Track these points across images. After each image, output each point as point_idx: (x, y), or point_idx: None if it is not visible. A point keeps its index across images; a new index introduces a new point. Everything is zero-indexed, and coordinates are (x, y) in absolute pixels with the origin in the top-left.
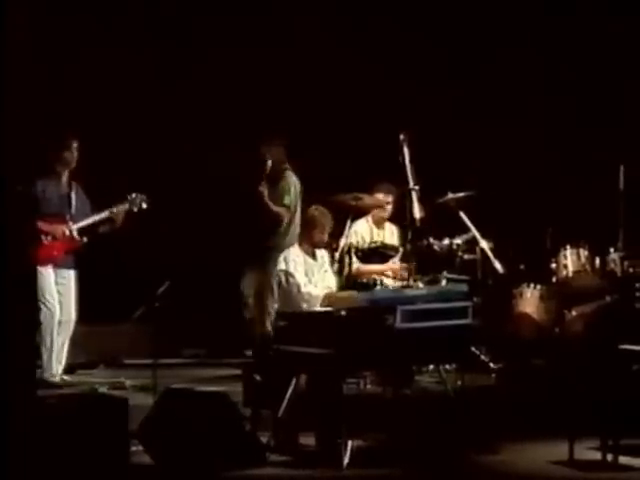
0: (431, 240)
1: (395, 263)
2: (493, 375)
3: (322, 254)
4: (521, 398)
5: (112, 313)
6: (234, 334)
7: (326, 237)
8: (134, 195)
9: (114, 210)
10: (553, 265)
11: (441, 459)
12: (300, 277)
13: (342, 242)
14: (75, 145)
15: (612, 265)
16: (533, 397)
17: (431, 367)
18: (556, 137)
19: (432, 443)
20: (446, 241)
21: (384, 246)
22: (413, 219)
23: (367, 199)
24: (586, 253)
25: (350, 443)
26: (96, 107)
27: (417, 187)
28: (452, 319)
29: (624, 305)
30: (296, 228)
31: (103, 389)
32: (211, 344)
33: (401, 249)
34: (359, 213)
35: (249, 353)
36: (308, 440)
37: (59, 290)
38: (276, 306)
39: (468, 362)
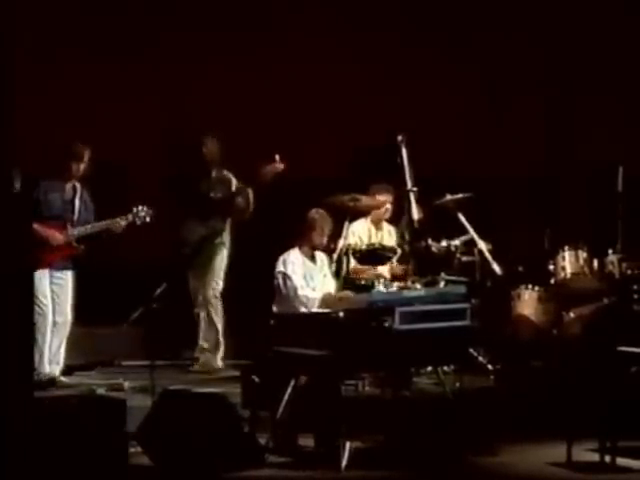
0: (429, 241)
1: (393, 264)
2: (491, 377)
3: (322, 257)
4: (519, 400)
5: (110, 315)
6: (233, 334)
7: (325, 240)
8: (140, 208)
9: (115, 222)
10: (551, 267)
11: (440, 461)
12: (298, 280)
13: (340, 243)
14: (86, 156)
15: (610, 267)
16: (531, 399)
17: (429, 369)
18: (555, 137)
19: (430, 445)
20: (444, 243)
21: (382, 247)
22: (411, 220)
23: (365, 200)
24: (584, 255)
25: (349, 444)
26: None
27: (415, 188)
28: (450, 321)
29: (622, 307)
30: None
31: (101, 391)
32: None
33: (399, 250)
34: (357, 214)
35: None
36: (307, 441)
37: (55, 290)
38: (275, 308)
39: (466, 364)
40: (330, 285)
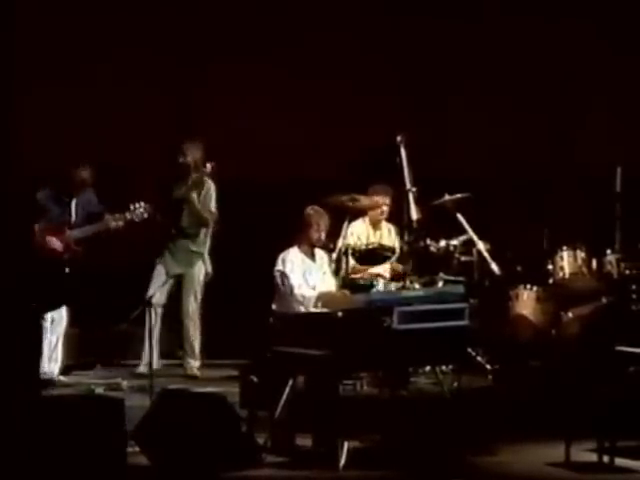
0: (428, 241)
1: (392, 264)
2: (490, 376)
3: (321, 255)
4: (518, 400)
5: (109, 314)
6: (231, 335)
7: (323, 236)
8: (137, 205)
9: (112, 222)
10: (550, 267)
11: (438, 460)
12: (295, 279)
13: (339, 243)
14: (87, 179)
15: (609, 267)
16: (530, 399)
17: (428, 368)
18: (554, 137)
19: (429, 444)
20: (443, 243)
21: (381, 247)
22: (410, 221)
23: (364, 200)
24: (583, 255)
25: (347, 444)
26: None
27: (414, 189)
28: (449, 320)
29: (621, 307)
30: (209, 234)
31: (99, 390)
32: (208, 345)
33: (398, 249)
34: (356, 214)
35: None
36: (305, 441)
37: None
38: (274, 307)
39: (465, 363)
40: (330, 283)
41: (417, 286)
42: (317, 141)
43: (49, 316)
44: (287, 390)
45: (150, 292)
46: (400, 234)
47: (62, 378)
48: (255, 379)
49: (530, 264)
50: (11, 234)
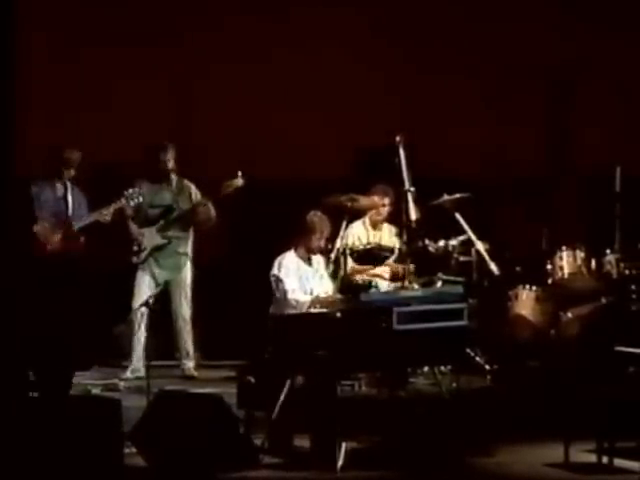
0: (427, 242)
1: (390, 264)
2: (488, 377)
3: (318, 259)
4: (517, 400)
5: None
6: (228, 336)
7: (323, 243)
8: (130, 190)
9: (108, 209)
10: (549, 267)
11: (436, 461)
12: (290, 283)
13: (337, 243)
14: (77, 161)
15: (608, 267)
16: (529, 399)
17: (426, 369)
18: (553, 137)
19: (427, 445)
20: (442, 243)
21: (379, 247)
22: (409, 221)
23: (363, 200)
24: (582, 255)
25: (345, 445)
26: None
27: (413, 189)
28: (448, 321)
29: (620, 307)
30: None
31: (96, 390)
32: (205, 346)
33: (397, 250)
34: (355, 214)
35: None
36: (302, 442)
37: None
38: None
39: (463, 364)
40: (327, 286)
41: (416, 286)
42: (316, 141)
43: None
44: (285, 391)
45: (139, 300)
46: (399, 234)
47: None
48: (252, 380)
49: (529, 264)
50: (10, 234)
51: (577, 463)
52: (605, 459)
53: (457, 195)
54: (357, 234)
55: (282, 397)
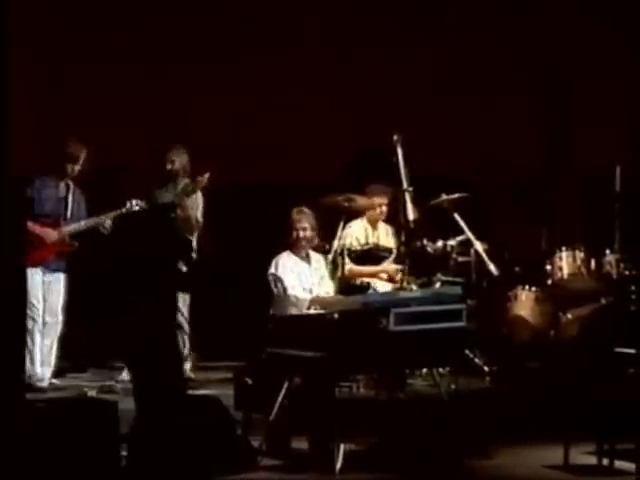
0: (425, 242)
1: (389, 265)
2: (487, 378)
3: (317, 258)
4: (516, 402)
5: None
6: (225, 337)
7: (309, 233)
8: (133, 202)
9: (107, 217)
10: (548, 267)
11: (435, 463)
12: (288, 281)
13: (335, 244)
14: (82, 157)
15: (608, 267)
16: (528, 400)
17: (425, 370)
18: (553, 137)
19: (426, 447)
20: (440, 243)
21: (377, 248)
22: (407, 221)
23: (360, 200)
24: (582, 255)
25: (343, 447)
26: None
27: (411, 188)
28: (446, 322)
29: (620, 307)
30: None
31: (92, 393)
32: (202, 347)
33: (395, 250)
34: (352, 214)
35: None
36: (300, 444)
37: (46, 290)
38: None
39: (462, 365)
40: (328, 286)
41: (414, 287)
42: (314, 141)
43: (41, 322)
44: (283, 392)
45: None
46: (397, 234)
47: (55, 381)
48: (250, 381)
49: (528, 264)
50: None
51: (577, 465)
52: (605, 461)
53: (456, 195)
54: (355, 234)
55: (280, 399)
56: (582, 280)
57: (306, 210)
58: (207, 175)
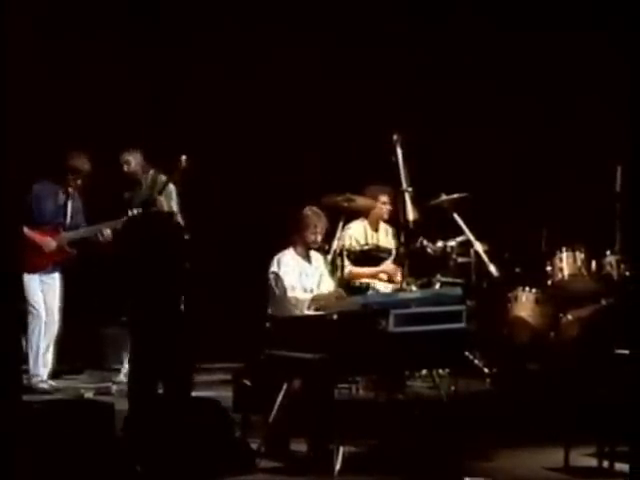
0: (424, 242)
1: (388, 265)
2: (487, 380)
3: (317, 257)
4: (516, 403)
5: (99, 317)
6: (224, 338)
7: (319, 238)
8: (135, 212)
9: (103, 228)
10: (548, 268)
11: (435, 465)
12: (289, 281)
13: (334, 244)
14: (86, 170)
15: (608, 268)
16: (528, 402)
17: (424, 372)
18: (552, 138)
19: (425, 449)
20: (440, 243)
21: (377, 248)
22: (406, 221)
23: (360, 200)
24: (582, 256)
25: (342, 449)
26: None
27: (410, 188)
28: (446, 323)
29: (620, 308)
30: None
31: (89, 394)
32: (201, 348)
33: (394, 251)
34: (352, 214)
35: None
36: (299, 446)
37: (43, 291)
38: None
39: (462, 367)
40: (329, 285)
41: (414, 288)
42: (313, 141)
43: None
44: (281, 394)
45: None
46: (397, 235)
47: (51, 382)
48: (249, 383)
49: (529, 265)
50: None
51: (577, 467)
52: (606, 463)
53: (455, 195)
54: (356, 234)
55: (279, 400)
56: (582, 281)
57: (321, 213)
58: (184, 158)
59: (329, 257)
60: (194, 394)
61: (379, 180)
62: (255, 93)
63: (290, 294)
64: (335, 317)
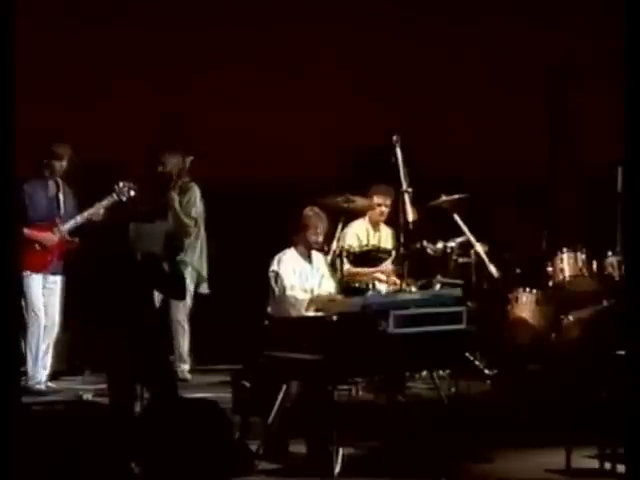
0: (424, 243)
1: (387, 266)
2: (488, 381)
3: (319, 257)
4: (517, 405)
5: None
6: (222, 340)
7: (321, 238)
8: (121, 184)
9: (96, 209)
10: (549, 269)
11: (435, 467)
12: (289, 280)
13: (334, 245)
14: (67, 155)
15: (610, 269)
16: (529, 404)
17: (424, 373)
18: (554, 137)
19: (426, 451)
20: (440, 244)
21: (377, 249)
22: (406, 222)
23: (359, 201)
24: (583, 257)
25: (341, 451)
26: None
27: (410, 189)
28: (446, 324)
29: (622, 309)
30: (203, 244)
31: (88, 396)
32: (199, 350)
33: (394, 252)
34: (351, 215)
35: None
36: (299, 448)
37: (45, 294)
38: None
39: (462, 368)
40: (329, 285)
41: (414, 289)
42: (313, 141)
43: (43, 325)
44: (280, 396)
45: None
46: (396, 236)
47: (50, 384)
48: (248, 384)
49: (529, 266)
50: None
51: (579, 469)
52: (607, 465)
53: (456, 196)
54: (356, 234)
55: (278, 402)
56: (583, 282)
57: (322, 213)
58: (190, 159)
59: (329, 258)
60: (194, 395)
61: (378, 181)
62: (255, 93)
63: (289, 293)
64: (335, 318)
